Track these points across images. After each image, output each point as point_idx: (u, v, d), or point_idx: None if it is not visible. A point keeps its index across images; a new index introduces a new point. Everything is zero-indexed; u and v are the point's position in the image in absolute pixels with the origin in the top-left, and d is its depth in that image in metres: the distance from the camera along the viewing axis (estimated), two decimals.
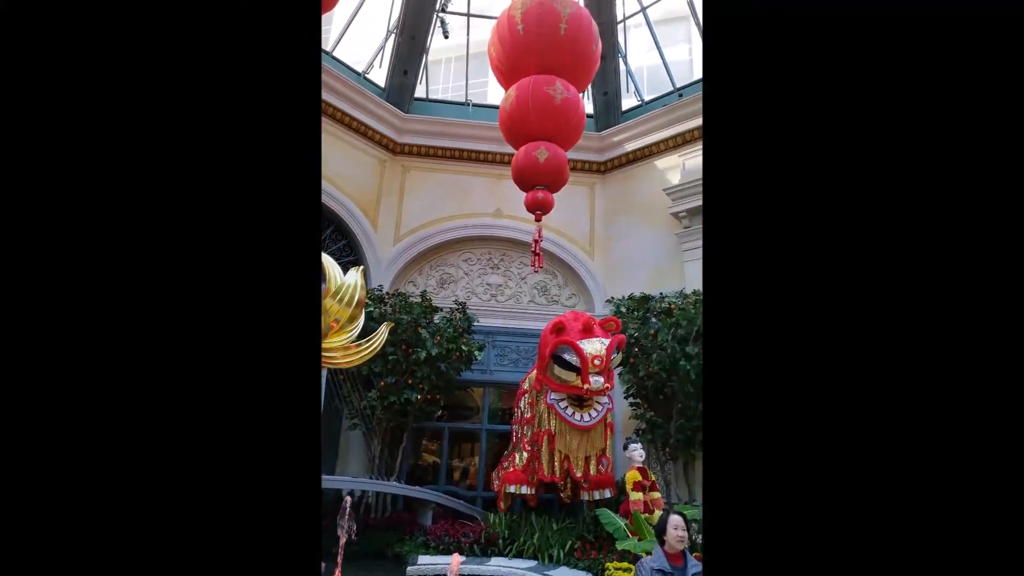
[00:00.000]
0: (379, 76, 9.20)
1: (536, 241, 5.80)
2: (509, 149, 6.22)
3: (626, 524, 5.64)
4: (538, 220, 5.73)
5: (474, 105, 9.58)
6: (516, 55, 5.30)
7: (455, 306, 7.87)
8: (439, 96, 11.20)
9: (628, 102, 9.55)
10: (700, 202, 7.69)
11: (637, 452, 6.06)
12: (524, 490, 6.52)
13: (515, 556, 5.81)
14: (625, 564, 5.10)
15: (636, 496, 5.76)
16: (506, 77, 5.52)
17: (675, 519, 2.55)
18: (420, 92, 9.52)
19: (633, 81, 9.55)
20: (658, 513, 5.41)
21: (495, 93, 11.15)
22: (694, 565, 2.50)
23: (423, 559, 5.64)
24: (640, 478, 5.88)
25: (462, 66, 10.50)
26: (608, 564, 5.23)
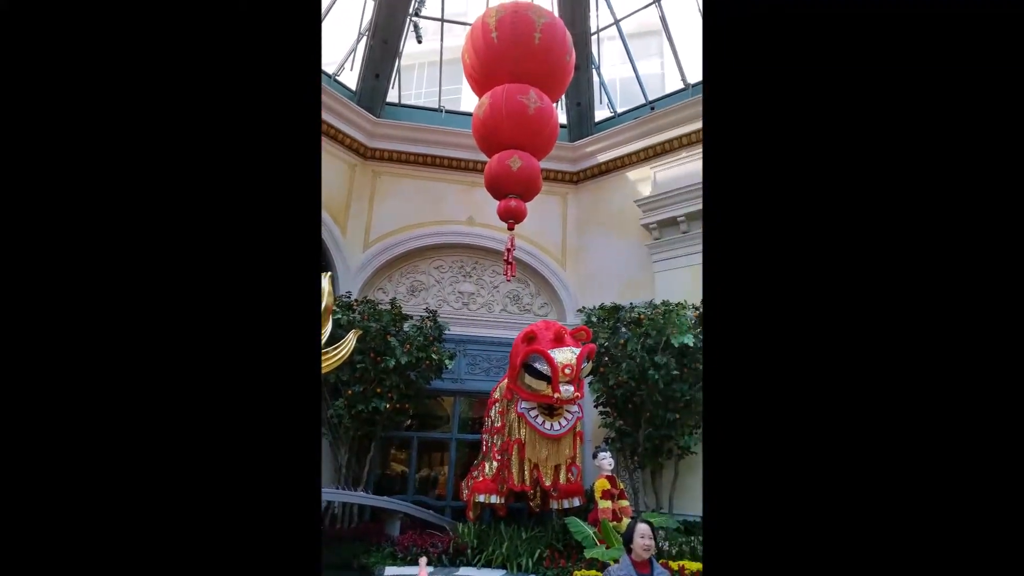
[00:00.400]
0: (350, 79, 9.08)
1: (509, 250, 5.80)
2: (482, 157, 6.22)
3: (595, 532, 5.66)
4: (511, 229, 5.74)
5: (447, 111, 9.56)
6: (490, 63, 5.31)
7: (426, 314, 7.79)
8: (412, 101, 11.13)
9: (601, 113, 9.68)
10: (669, 214, 7.85)
11: (606, 461, 6.10)
12: (493, 499, 6.48)
13: (484, 566, 5.76)
14: (593, 572, 5.11)
15: (604, 504, 5.80)
16: (480, 84, 5.52)
17: (642, 528, 2.57)
18: (392, 97, 9.44)
19: (606, 93, 9.70)
20: (626, 521, 5.45)
21: (469, 100, 11.16)
22: (660, 573, 2.53)
23: (390, 570, 5.54)
24: (609, 486, 5.92)
25: (435, 72, 10.46)
26: (576, 572, 5.24)
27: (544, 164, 6.10)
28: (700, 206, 7.54)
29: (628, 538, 2.58)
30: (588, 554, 5.33)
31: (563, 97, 9.00)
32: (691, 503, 6.74)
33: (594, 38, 9.44)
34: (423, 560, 4.44)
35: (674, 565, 5.32)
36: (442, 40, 9.53)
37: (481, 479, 6.67)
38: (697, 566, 5.33)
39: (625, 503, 5.99)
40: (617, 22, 9.28)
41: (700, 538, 5.91)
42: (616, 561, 2.76)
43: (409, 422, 8.19)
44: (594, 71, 9.51)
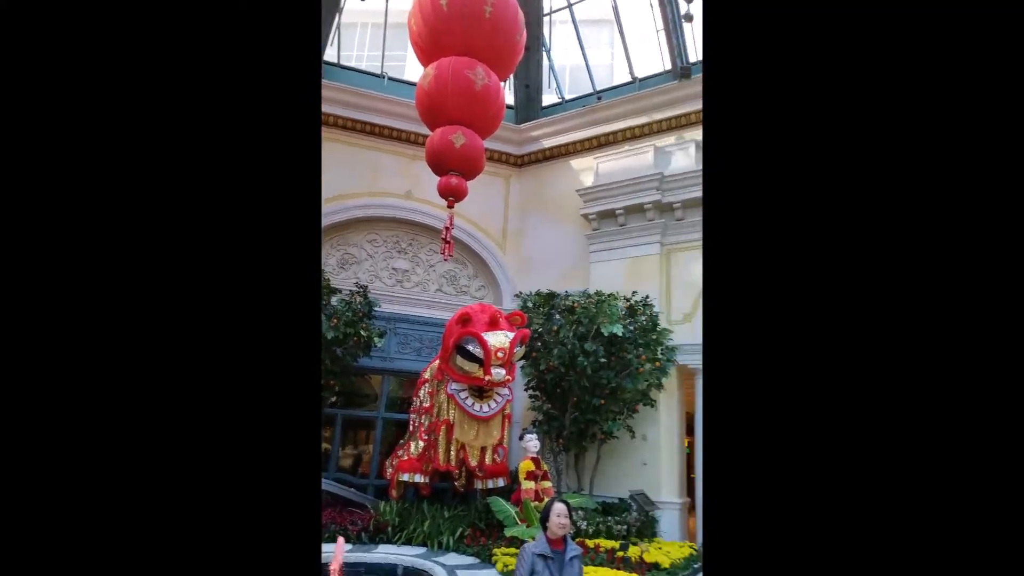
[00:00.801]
0: None
1: (447, 228, 5.67)
2: (424, 130, 6.01)
3: (516, 512, 5.78)
4: (450, 207, 5.61)
5: (390, 79, 9.14)
6: (438, 32, 5.10)
7: (356, 289, 7.51)
8: (352, 63, 10.54)
9: (548, 98, 9.65)
10: (608, 206, 8.00)
11: (532, 443, 6.22)
12: (418, 478, 6.46)
13: (404, 544, 5.73)
14: (513, 550, 5.22)
15: (528, 485, 5.93)
16: (426, 54, 5.29)
17: (558, 507, 2.63)
18: (330, 55, 8.89)
19: (555, 77, 9.66)
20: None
21: (414, 69, 10.73)
22: (572, 549, 2.61)
23: None
24: (533, 468, 6.05)
25: (379, 34, 9.96)
26: (496, 550, 5.33)
27: (488, 144, 6.00)
28: (637, 200, 7.74)
29: (545, 516, 2.64)
30: (508, 532, 5.44)
31: (511, 77, 8.87)
32: (611, 485, 7.04)
33: (546, 20, 9.34)
34: (340, 539, 4.32)
35: (590, 543, 5.55)
36: (387, 0, 9.06)
37: (406, 458, 6.61)
38: (612, 544, 5.59)
39: (548, 484, 6.15)
40: (570, 5, 9.23)
41: (616, 518, 6.20)
42: (534, 539, 2.81)
43: (334, 399, 7.92)
44: (544, 54, 9.43)
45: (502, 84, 5.61)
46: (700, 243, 7.43)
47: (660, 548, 5.78)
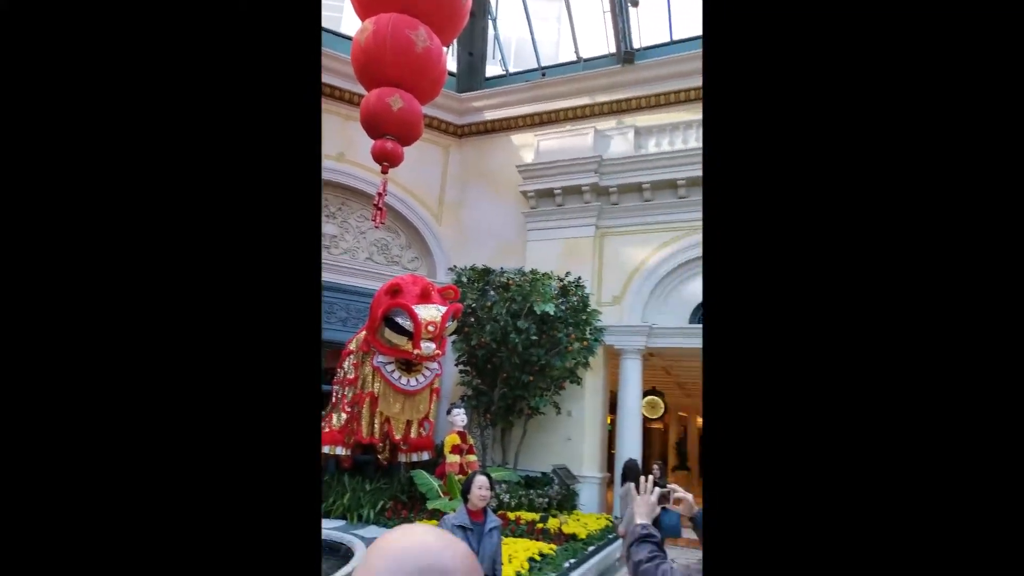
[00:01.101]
0: None
1: (380, 194, 5.42)
2: (360, 88, 5.68)
3: (440, 485, 5.78)
4: (384, 172, 5.35)
5: (324, 31, 8.54)
6: None
7: None
8: None
9: (492, 69, 9.43)
10: (547, 185, 7.99)
11: (459, 417, 6.21)
12: (339, 451, 6.30)
13: (323, 517, 5.58)
14: (434, 522, 5.23)
15: (453, 458, 5.94)
16: (364, 6, 4.96)
17: (480, 479, 2.64)
18: None
19: (500, 48, 9.44)
20: None
21: (351, 22, 10.10)
22: (492, 520, 2.63)
23: None
24: (459, 441, 6.06)
25: None
26: (417, 522, 5.31)
27: (427, 110, 5.77)
28: (575, 182, 7.80)
29: (466, 488, 2.65)
30: (430, 505, 5.44)
31: (455, 43, 8.57)
32: (535, 459, 7.21)
33: None
34: None
35: (511, 516, 5.67)
36: None
37: (328, 430, 6.40)
38: (532, 516, 5.75)
39: (473, 458, 6.19)
40: None
41: (538, 491, 6.36)
42: (455, 511, 2.80)
43: None
44: (490, 22, 9.17)
45: (445, 49, 5.39)
46: (633, 228, 7.64)
47: (579, 520, 6.02)
